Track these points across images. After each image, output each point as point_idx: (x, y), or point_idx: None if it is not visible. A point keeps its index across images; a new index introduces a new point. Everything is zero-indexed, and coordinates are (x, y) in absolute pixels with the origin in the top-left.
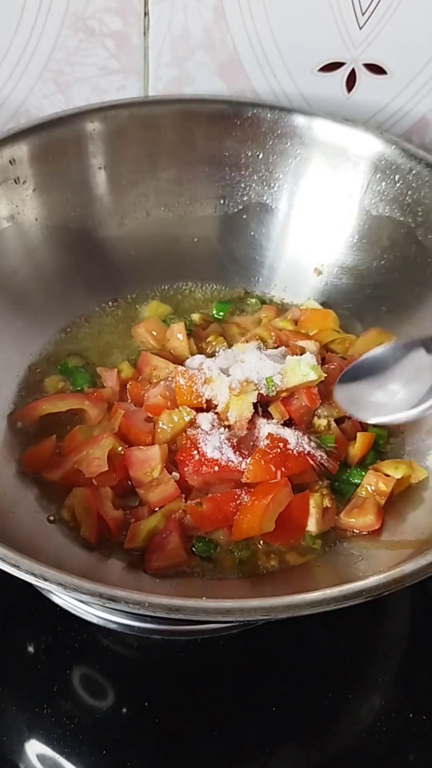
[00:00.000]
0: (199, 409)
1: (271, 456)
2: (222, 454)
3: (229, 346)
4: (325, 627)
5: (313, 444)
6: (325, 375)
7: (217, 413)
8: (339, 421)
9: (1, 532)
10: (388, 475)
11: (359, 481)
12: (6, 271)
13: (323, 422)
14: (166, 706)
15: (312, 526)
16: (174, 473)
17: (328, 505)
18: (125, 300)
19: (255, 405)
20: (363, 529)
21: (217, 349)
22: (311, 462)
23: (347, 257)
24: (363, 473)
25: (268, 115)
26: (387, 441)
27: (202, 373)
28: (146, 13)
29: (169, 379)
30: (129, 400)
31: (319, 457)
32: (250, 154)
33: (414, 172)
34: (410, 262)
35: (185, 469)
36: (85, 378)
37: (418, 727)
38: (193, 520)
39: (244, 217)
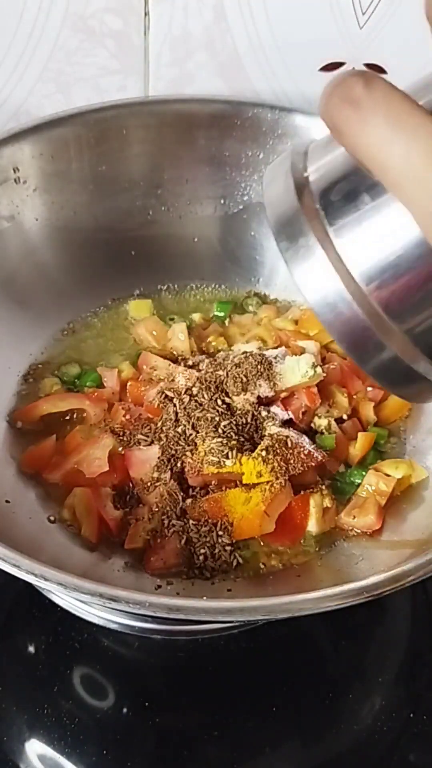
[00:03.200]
0: None
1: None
2: None
3: (230, 346)
4: (325, 627)
5: (313, 444)
6: (325, 375)
7: None
8: (339, 421)
9: (1, 532)
10: (388, 475)
11: (360, 481)
12: (6, 272)
13: (323, 422)
14: (166, 706)
15: (312, 526)
16: None
17: (329, 505)
18: (125, 300)
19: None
20: (363, 528)
21: (218, 350)
22: (311, 462)
23: None
24: (363, 473)
25: (269, 115)
26: (387, 441)
27: None
28: (146, 13)
29: (170, 379)
30: (129, 400)
31: (319, 457)
32: (250, 153)
33: None
34: None
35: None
36: (91, 375)
37: (418, 727)
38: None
39: (245, 217)
